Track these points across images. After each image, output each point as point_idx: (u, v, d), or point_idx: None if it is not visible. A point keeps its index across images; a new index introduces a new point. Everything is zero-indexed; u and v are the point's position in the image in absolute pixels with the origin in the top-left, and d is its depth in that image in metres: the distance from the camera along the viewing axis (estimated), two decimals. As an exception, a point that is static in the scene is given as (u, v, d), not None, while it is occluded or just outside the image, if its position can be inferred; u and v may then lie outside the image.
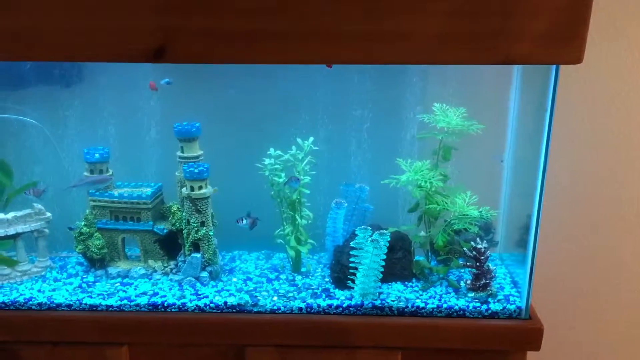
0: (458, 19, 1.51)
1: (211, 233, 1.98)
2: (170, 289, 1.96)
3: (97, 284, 2.00)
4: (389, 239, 1.84)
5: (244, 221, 2.00)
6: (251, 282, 2.02)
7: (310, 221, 2.05)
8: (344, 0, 1.49)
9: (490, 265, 1.90)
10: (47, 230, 2.05)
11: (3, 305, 1.89)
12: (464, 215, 1.85)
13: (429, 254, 2.05)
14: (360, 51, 1.52)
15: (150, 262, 2.06)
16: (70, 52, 1.59)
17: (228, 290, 1.96)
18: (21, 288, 1.97)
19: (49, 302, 1.89)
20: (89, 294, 1.93)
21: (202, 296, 1.93)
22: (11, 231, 1.97)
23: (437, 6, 1.49)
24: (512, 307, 1.86)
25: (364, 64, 1.54)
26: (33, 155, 2.11)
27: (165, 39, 1.54)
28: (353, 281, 1.91)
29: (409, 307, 1.86)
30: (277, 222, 2.08)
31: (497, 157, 2.06)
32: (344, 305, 1.88)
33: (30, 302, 1.89)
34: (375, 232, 1.84)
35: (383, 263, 1.87)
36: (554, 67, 1.63)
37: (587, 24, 1.50)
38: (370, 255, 1.85)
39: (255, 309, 1.89)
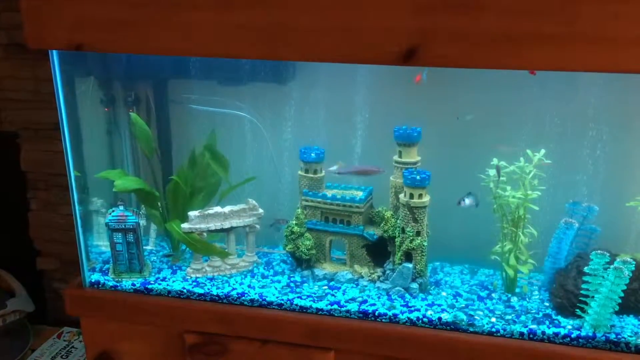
0: None
1: (425, 244, 1.89)
2: (379, 298, 1.90)
3: (304, 284, 1.98)
4: (633, 268, 1.65)
5: (465, 201, 1.88)
6: (461, 298, 1.91)
7: (532, 240, 1.90)
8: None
9: None
10: (258, 226, 2.06)
11: (217, 298, 1.93)
12: None
13: (668, 287, 1.83)
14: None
15: (356, 267, 2.01)
16: (318, 52, 1.56)
17: (440, 305, 1.86)
18: (231, 281, 2.00)
19: (260, 299, 1.90)
20: (299, 295, 1.92)
21: (412, 309, 1.84)
22: (226, 225, 2.00)
23: None
24: None
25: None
26: (248, 150, 2.14)
27: (419, 40, 1.46)
28: (582, 309, 1.74)
29: (650, 345, 1.68)
30: (483, 236, 1.96)
31: None
32: (572, 335, 1.72)
33: (243, 298, 1.91)
34: (618, 260, 1.66)
35: (622, 294, 1.68)
36: None
37: None
38: (609, 284, 1.67)
39: (471, 329, 1.78)
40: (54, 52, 1.80)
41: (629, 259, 1.66)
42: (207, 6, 1.56)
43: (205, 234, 1.99)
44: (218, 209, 2.00)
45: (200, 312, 1.92)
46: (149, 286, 1.98)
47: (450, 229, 2.01)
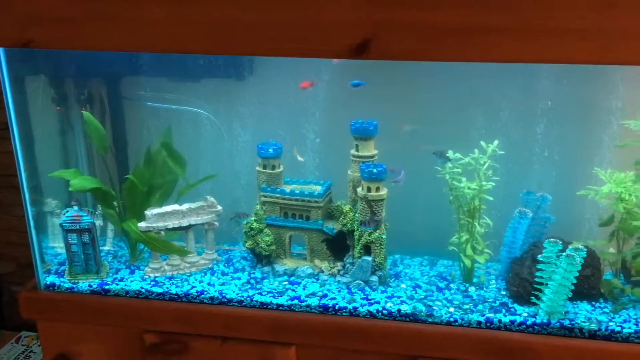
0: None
1: (384, 236, 1.91)
2: (339, 292, 1.90)
3: (264, 280, 1.98)
4: (585, 255, 1.69)
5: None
6: (420, 289, 1.93)
7: (488, 230, 1.93)
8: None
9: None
10: (217, 223, 2.04)
11: (176, 296, 1.91)
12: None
13: (619, 273, 1.88)
14: (593, 50, 1.38)
15: (317, 261, 2.01)
16: (268, 46, 1.56)
17: (399, 297, 1.88)
18: (191, 280, 1.98)
19: (220, 297, 1.89)
20: (259, 291, 1.91)
21: (372, 301, 1.85)
22: (185, 223, 1.98)
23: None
24: None
25: (597, 64, 1.39)
26: (204, 146, 2.13)
27: (371, 33, 1.47)
28: (537, 297, 1.78)
29: (602, 329, 1.71)
30: (441, 227, 1.98)
31: None
32: (528, 323, 1.75)
33: (203, 296, 1.90)
34: (570, 247, 1.70)
35: (575, 280, 1.72)
36: None
37: None
38: (562, 271, 1.70)
39: (430, 319, 1.80)
40: (1, 49, 1.76)
41: (580, 247, 1.69)
42: (156, 2, 1.54)
43: (163, 232, 1.97)
44: (176, 206, 1.98)
45: (159, 311, 1.90)
46: (107, 287, 1.94)
47: (409, 221, 2.03)
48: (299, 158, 2.06)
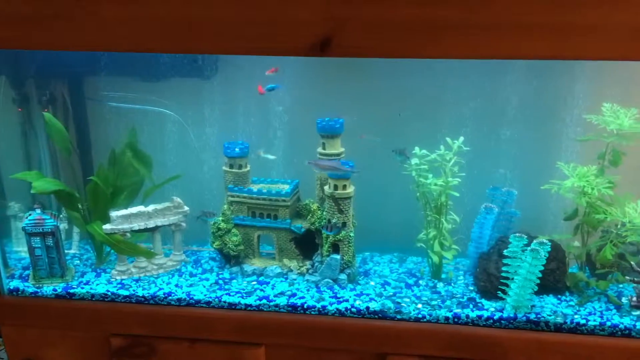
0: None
1: (352, 234, 1.90)
2: (308, 290, 1.90)
3: (233, 281, 1.96)
4: (549, 249, 1.71)
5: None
6: (389, 287, 1.93)
7: (455, 226, 1.94)
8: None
9: (659, 281, 1.74)
10: (184, 224, 2.02)
11: (143, 299, 1.88)
12: (636, 226, 1.70)
13: (584, 266, 1.90)
14: (547, 46, 1.39)
15: (285, 261, 2.00)
16: (229, 44, 1.54)
17: (368, 295, 1.88)
18: (158, 282, 1.96)
19: (188, 298, 1.87)
20: (227, 292, 1.89)
21: (341, 299, 1.85)
22: (151, 224, 1.96)
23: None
24: (687, 329, 1.69)
25: (550, 59, 1.41)
26: (171, 146, 2.10)
27: (333, 30, 1.46)
28: (504, 291, 1.79)
29: (568, 323, 1.73)
30: (411, 224, 1.99)
31: None
32: (495, 317, 1.76)
33: (170, 297, 1.87)
34: (535, 241, 1.71)
35: (540, 274, 1.74)
36: None
37: None
38: (527, 266, 1.72)
39: (398, 316, 1.80)
40: (-44, 50, 1.73)
41: (544, 241, 1.71)
42: (112, 0, 1.52)
43: (128, 234, 1.94)
44: (141, 208, 1.95)
45: (125, 314, 1.87)
46: (72, 291, 1.91)
47: (379, 219, 2.03)
48: (270, 157, 2.05)
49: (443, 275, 1.98)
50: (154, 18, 1.52)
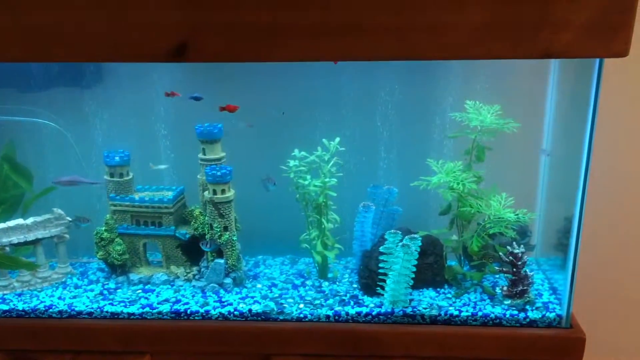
0: (494, 11, 1.41)
1: (234, 238, 1.92)
2: (193, 296, 1.90)
3: (118, 290, 1.94)
4: (420, 244, 1.76)
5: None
6: (276, 288, 1.95)
7: (337, 225, 1.97)
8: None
9: (527, 270, 1.81)
10: (67, 236, 2.00)
11: (23, 312, 1.85)
12: (499, 218, 1.76)
13: (462, 259, 1.96)
14: (393, 46, 1.43)
15: (173, 267, 1.99)
16: (86, 52, 1.53)
17: (253, 297, 1.89)
18: (41, 295, 1.93)
19: (69, 310, 1.84)
20: (110, 302, 1.87)
21: (225, 303, 1.86)
22: (30, 237, 1.93)
23: (472, -3, 1.41)
24: (552, 315, 1.76)
25: (396, 59, 1.45)
26: (53, 158, 2.07)
27: (188, 35, 1.47)
28: (382, 287, 1.83)
29: (442, 315, 1.78)
30: (302, 226, 2.01)
31: (544, 151, 1.96)
32: (374, 313, 1.80)
33: (51, 310, 1.84)
34: (406, 237, 1.76)
35: (414, 269, 1.78)
36: (597, 60, 1.53)
37: (634, 12, 1.40)
38: (400, 261, 1.76)
39: (281, 317, 1.82)
40: None
41: (415, 236, 1.76)
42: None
43: (7, 248, 1.91)
44: (20, 221, 1.92)
45: (6, 329, 1.83)
46: (-51, 308, 1.87)
47: (270, 222, 2.05)
48: (162, 167, 2.04)
49: (330, 275, 2.01)
50: (15, 26, 1.51)
